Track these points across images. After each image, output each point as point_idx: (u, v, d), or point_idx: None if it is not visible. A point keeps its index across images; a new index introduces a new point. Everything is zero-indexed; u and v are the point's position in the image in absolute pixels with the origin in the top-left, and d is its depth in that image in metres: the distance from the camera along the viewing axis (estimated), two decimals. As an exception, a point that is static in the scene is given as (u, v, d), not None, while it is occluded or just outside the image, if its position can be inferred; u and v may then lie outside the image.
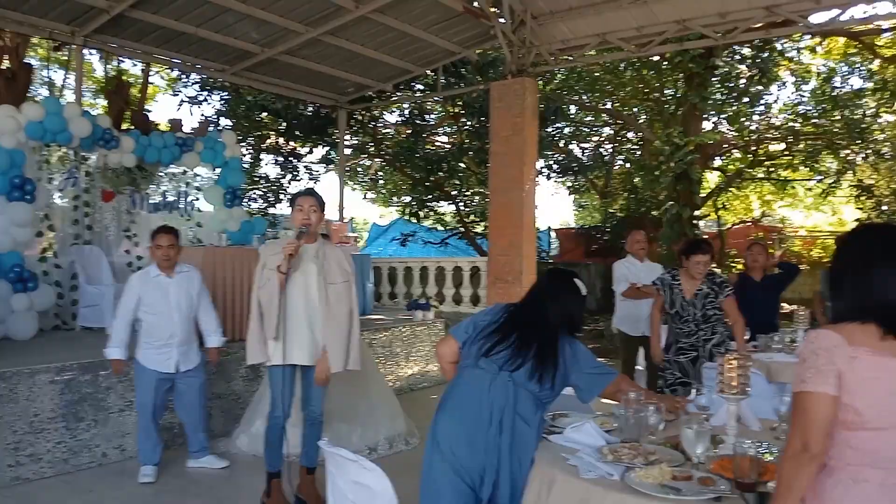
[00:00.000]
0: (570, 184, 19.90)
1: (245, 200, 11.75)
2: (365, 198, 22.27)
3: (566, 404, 3.07)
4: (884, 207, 15.99)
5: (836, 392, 1.72)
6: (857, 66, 15.63)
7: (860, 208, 16.79)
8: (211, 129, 9.78)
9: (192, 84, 15.25)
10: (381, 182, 20.59)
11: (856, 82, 15.77)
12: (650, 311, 5.44)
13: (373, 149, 16.39)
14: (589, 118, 18.57)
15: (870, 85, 15.60)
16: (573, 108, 17.35)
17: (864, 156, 15.65)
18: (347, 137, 14.52)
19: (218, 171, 9.12)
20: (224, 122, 14.88)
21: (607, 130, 19.24)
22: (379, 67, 10.34)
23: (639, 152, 18.10)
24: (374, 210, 26.22)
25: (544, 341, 2.77)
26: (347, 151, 14.77)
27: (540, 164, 16.05)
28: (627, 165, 19.08)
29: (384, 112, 16.08)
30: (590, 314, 13.92)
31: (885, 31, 13.92)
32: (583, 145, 19.27)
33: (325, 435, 5.04)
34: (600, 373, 2.86)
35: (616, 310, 6.58)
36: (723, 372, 2.57)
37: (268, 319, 4.08)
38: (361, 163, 19.55)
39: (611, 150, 19.54)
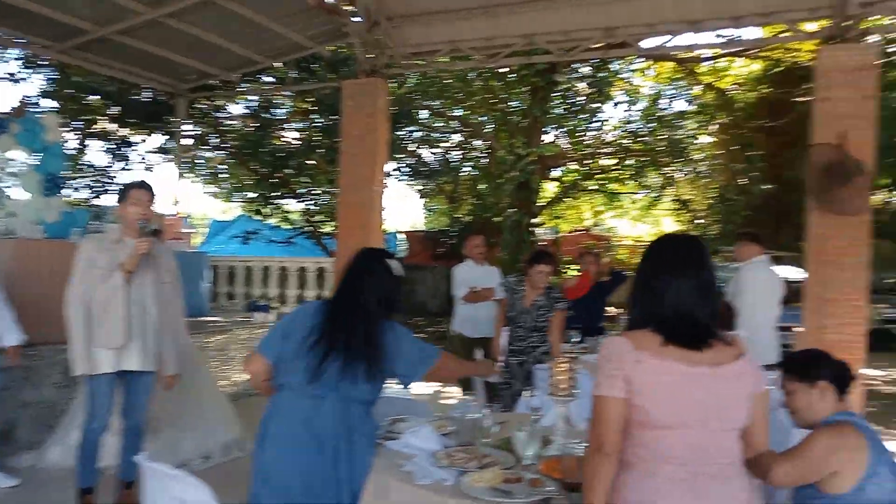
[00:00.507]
0: (420, 187, 20.13)
1: (68, 190, 10.74)
2: (205, 192, 21.19)
3: (401, 408, 3.06)
4: (699, 220, 17.65)
5: (625, 395, 1.83)
6: (681, 90, 17.15)
7: (679, 221, 18.42)
8: (31, 109, 8.84)
9: (13, 60, 13.77)
10: (223, 176, 19.69)
11: (679, 105, 17.32)
12: (496, 313, 5.64)
13: (215, 140, 15.63)
14: (439, 124, 18.88)
15: (691, 108, 17.18)
16: (424, 113, 17.56)
17: (683, 173, 17.19)
18: (189, 126, 13.73)
19: (36, 156, 8.26)
20: (47, 103, 13.55)
21: (457, 137, 19.67)
22: (224, 55, 9.85)
23: (485, 160, 18.66)
24: (216, 205, 25.02)
25: (366, 331, 2.59)
26: (187, 142, 13.98)
27: (391, 166, 16.09)
28: (474, 172, 19.63)
29: (229, 103, 15.39)
30: (434, 316, 14.14)
31: (705, 59, 15.37)
32: (433, 150, 19.56)
33: (155, 443, 4.72)
34: (422, 356, 2.70)
35: (455, 313, 6.69)
36: (553, 375, 2.67)
37: (108, 324, 3.71)
38: (202, 154, 18.58)
39: (459, 157, 20.00)
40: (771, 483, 2.12)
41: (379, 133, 8.51)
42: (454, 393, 7.39)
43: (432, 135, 19.03)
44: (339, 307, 2.66)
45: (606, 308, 7.21)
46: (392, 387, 2.83)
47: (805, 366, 2.44)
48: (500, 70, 14.50)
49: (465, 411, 2.96)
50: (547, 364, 2.60)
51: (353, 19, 8.55)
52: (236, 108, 16.00)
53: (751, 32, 10.43)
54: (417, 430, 2.65)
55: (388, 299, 2.71)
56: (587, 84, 15.44)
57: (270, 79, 13.79)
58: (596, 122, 17.01)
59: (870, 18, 7.51)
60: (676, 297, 1.87)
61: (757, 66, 16.07)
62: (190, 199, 29.33)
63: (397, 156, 16.38)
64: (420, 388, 7.02)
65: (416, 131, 17.79)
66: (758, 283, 5.83)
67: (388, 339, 2.63)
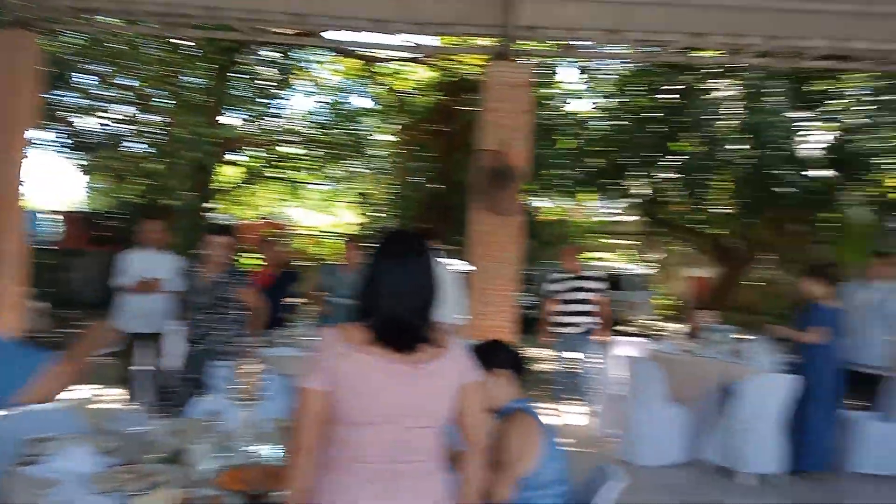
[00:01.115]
0: (82, 163, 17.73)
1: None
2: None
3: (44, 423, 2.57)
4: (379, 214, 18.48)
5: (326, 387, 1.79)
6: (363, 87, 17.72)
7: (360, 213, 19.09)
8: None
9: None
10: None
11: (362, 101, 17.90)
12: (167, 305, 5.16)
13: None
14: (109, 93, 16.83)
15: (374, 106, 17.87)
16: (89, 80, 15.50)
17: (365, 168, 17.83)
18: None
19: None
20: None
21: (129, 110, 17.72)
22: None
23: (162, 138, 17.18)
24: None
25: None
26: None
27: (46, 136, 13.95)
28: (147, 150, 17.93)
29: None
30: (92, 308, 12.58)
31: (387, 61, 16.10)
32: (99, 121, 17.36)
33: None
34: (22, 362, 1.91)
35: (117, 304, 5.97)
36: (236, 378, 2.49)
37: None
38: None
39: (131, 132, 18.07)
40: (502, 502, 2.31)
41: (23, 95, 7.26)
42: (116, 395, 6.55)
43: (97, 104, 16.89)
44: None
45: (291, 299, 7.10)
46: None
47: (482, 355, 2.61)
48: (181, 42, 13.43)
49: (129, 422, 2.61)
50: (228, 361, 2.42)
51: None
52: None
53: (430, 41, 11.22)
54: (67, 449, 2.25)
55: None
56: (275, 70, 15.11)
57: None
58: (281, 109, 16.76)
59: (528, 42, 8.55)
60: (390, 292, 1.86)
61: (432, 74, 17.31)
62: None
63: (49, 123, 14.22)
64: (70, 393, 6.11)
65: (77, 98, 15.62)
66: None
67: None
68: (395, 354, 1.83)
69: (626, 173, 14.74)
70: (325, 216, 23.29)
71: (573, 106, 15.14)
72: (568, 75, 15.16)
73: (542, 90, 14.46)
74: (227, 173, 17.71)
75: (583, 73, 14.63)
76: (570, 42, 8.35)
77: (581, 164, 14.16)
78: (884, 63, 8.35)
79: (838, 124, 12.43)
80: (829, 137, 12.78)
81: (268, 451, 2.20)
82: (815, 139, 12.98)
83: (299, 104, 20.84)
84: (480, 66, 13.56)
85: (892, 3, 7.58)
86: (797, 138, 12.40)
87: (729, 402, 5.39)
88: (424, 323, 1.88)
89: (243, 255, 15.97)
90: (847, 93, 12.45)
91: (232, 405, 2.65)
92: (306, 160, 17.41)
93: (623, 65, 13.92)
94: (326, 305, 6.28)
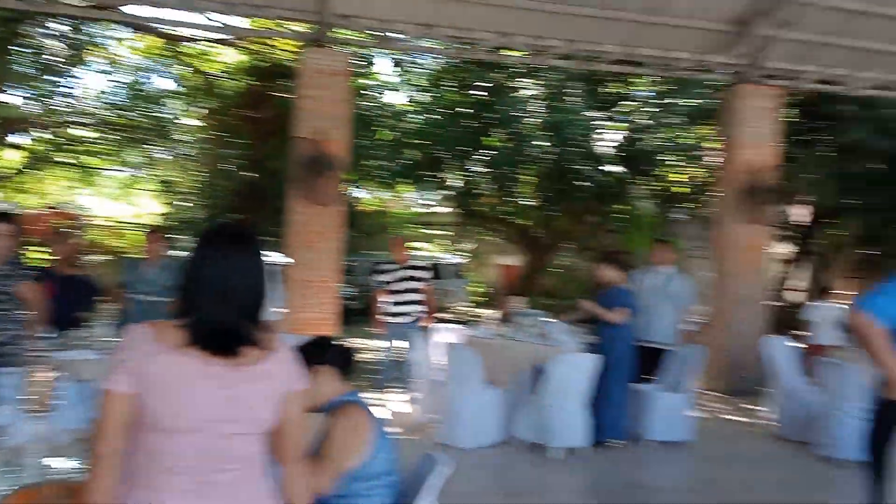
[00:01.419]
0: None
1: None
2: None
3: None
4: (185, 203, 17.38)
5: (131, 390, 1.63)
6: (167, 68, 16.49)
7: (164, 202, 17.84)
8: None
9: None
10: None
11: (165, 83, 16.67)
12: None
13: None
14: None
15: (177, 88, 16.72)
16: None
17: (168, 153, 16.65)
18: None
19: None
20: None
21: None
22: None
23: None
24: None
25: None
26: None
27: None
28: None
29: None
30: None
31: (191, 40, 15.12)
32: None
33: None
34: None
35: None
36: (26, 386, 2.21)
37: None
38: None
39: None
40: (321, 493, 2.19)
41: None
42: None
43: None
44: None
45: (86, 296, 6.44)
46: None
47: (308, 352, 2.54)
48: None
49: None
50: (17, 367, 2.11)
51: None
52: None
53: (239, 23, 10.67)
54: None
55: None
56: (64, 44, 13.60)
57: None
58: (71, 87, 15.16)
59: (344, 30, 8.47)
60: (212, 290, 1.72)
61: (242, 57, 16.56)
62: None
63: None
64: None
65: None
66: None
67: None
68: (213, 356, 1.69)
69: (441, 166, 15.15)
70: (124, 206, 21.46)
71: (390, 98, 15.28)
72: (385, 67, 15.27)
73: (360, 81, 14.43)
74: (8, 157, 15.76)
75: (397, 66, 14.79)
76: (386, 34, 8.40)
77: (399, 155, 14.34)
78: (667, 69, 9.33)
79: (628, 124, 13.68)
80: (620, 136, 14.05)
81: (65, 466, 1.97)
82: (609, 137, 14.20)
83: (94, 83, 18.98)
84: (294, 51, 13.23)
85: (675, 16, 8.49)
86: (594, 136, 13.47)
87: (538, 382, 5.73)
88: (251, 323, 1.76)
89: (29, 248, 14.32)
90: (636, 95, 13.75)
91: (21, 417, 2.35)
92: (100, 144, 15.93)
93: (436, 60, 14.27)
94: (128, 303, 5.78)
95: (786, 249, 20.57)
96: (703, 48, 9.01)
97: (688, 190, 16.56)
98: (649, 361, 6.26)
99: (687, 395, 6.34)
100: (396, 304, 7.18)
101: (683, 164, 14.49)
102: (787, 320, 16.34)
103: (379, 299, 7.35)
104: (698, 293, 7.26)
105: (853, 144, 13.36)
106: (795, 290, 20.67)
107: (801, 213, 15.22)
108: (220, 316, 1.71)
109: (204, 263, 1.76)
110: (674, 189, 16.27)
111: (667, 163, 13.72)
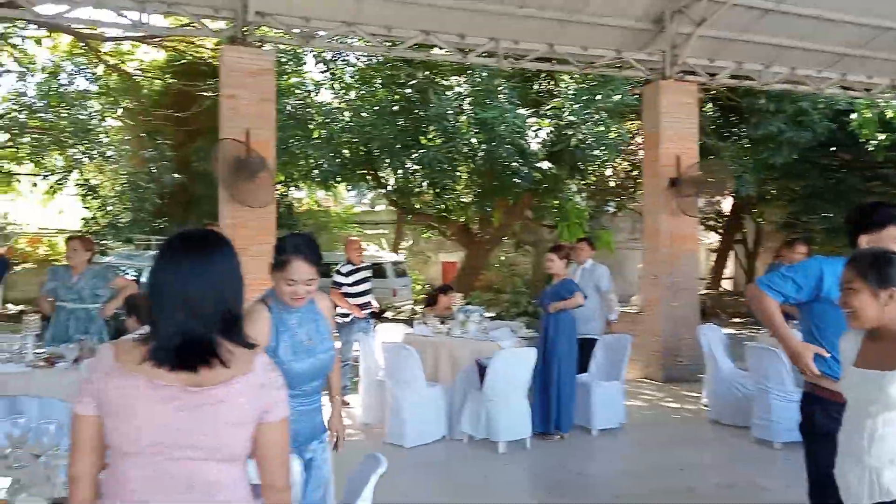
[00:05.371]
0: None
1: None
2: None
3: None
4: (109, 208, 16.70)
5: (94, 412, 1.58)
6: (82, 67, 15.78)
7: (87, 207, 17.10)
8: None
9: None
10: None
11: (82, 83, 15.96)
12: None
13: None
14: None
15: (95, 88, 16.05)
16: None
17: (90, 156, 15.94)
18: None
19: None
20: None
21: None
22: None
23: None
24: None
25: None
26: None
27: None
28: None
29: None
30: None
31: (108, 39, 14.53)
32: None
33: None
34: None
35: None
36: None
37: None
38: None
39: None
40: None
41: None
42: None
43: None
44: None
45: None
46: None
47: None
48: None
49: None
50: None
51: None
52: None
53: (157, 20, 10.25)
54: None
55: None
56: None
57: None
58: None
59: (266, 28, 8.28)
60: (170, 303, 1.60)
61: (162, 55, 16.04)
62: None
63: None
64: None
65: None
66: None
67: None
68: (170, 375, 1.58)
69: (376, 164, 15.04)
70: (47, 212, 20.44)
71: (321, 96, 15.06)
72: (313, 65, 15.05)
73: (292, 79, 14.16)
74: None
75: (320, 63, 14.60)
76: (310, 31, 8.27)
77: (332, 154, 14.15)
78: (588, 66, 9.49)
79: (555, 121, 13.86)
80: (548, 132, 14.24)
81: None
82: (539, 134, 14.37)
83: (7, 85, 18.05)
84: (214, 49, 12.86)
85: (593, 14, 8.66)
86: (525, 133, 13.59)
87: (481, 378, 5.74)
88: (223, 337, 1.62)
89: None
90: (562, 92, 13.94)
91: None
92: (17, 148, 15.14)
93: (363, 59, 14.14)
94: (54, 311, 5.51)
95: (714, 239, 21.40)
96: (621, 45, 9.22)
97: (616, 183, 16.96)
98: (579, 353, 6.36)
99: (620, 383, 6.49)
100: (353, 305, 7.19)
101: (612, 158, 14.81)
102: (721, 307, 17.00)
103: (336, 301, 7.27)
104: (633, 283, 7.43)
105: (768, 137, 13.97)
106: (726, 277, 21.50)
107: (724, 204, 15.78)
108: (181, 328, 1.59)
109: (161, 273, 1.65)
110: (603, 183, 16.64)
111: (595, 157, 13.97)
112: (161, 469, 1.57)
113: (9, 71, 15.14)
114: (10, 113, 14.90)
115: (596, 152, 13.65)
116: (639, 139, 14.68)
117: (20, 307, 5.88)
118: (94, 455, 1.60)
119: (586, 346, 6.55)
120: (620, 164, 16.46)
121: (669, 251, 8.98)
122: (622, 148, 15.03)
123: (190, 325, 1.59)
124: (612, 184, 16.99)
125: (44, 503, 1.99)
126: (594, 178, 16.22)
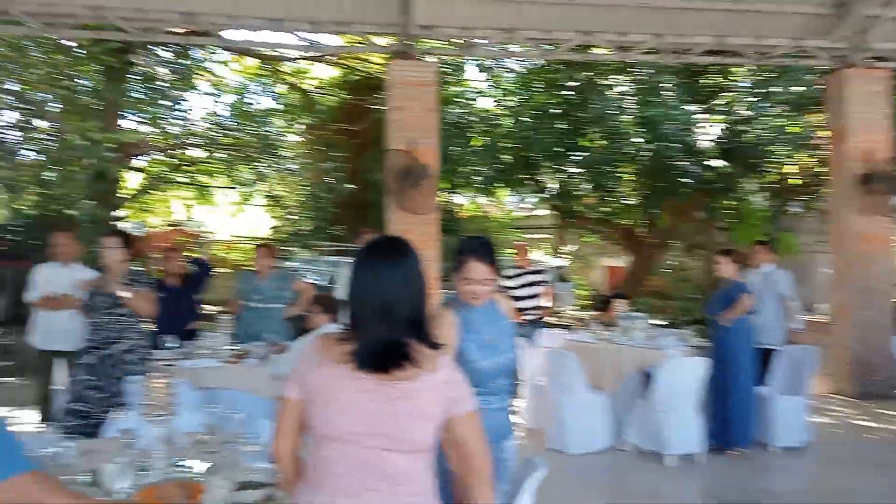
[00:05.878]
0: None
1: None
2: None
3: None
4: (292, 217, 18.08)
5: (299, 396, 1.78)
6: (266, 86, 17.26)
7: (273, 217, 18.64)
8: None
9: None
10: None
11: (266, 102, 17.44)
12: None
13: None
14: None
15: (277, 106, 17.45)
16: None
17: (274, 169, 17.38)
18: None
19: None
20: None
21: (13, 115, 16.56)
22: None
23: (53, 144, 16.16)
24: None
25: None
26: None
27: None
28: (38, 158, 16.83)
29: None
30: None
31: (286, 59, 15.76)
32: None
33: None
34: None
35: (31, 321, 5.67)
36: (148, 393, 2.35)
37: None
38: None
39: (19, 139, 16.89)
40: None
41: None
42: (29, 418, 6.06)
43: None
44: None
45: (200, 305, 6.82)
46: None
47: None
48: (66, 43, 12.68)
49: (42, 443, 2.42)
50: (139, 376, 2.29)
51: None
52: None
53: (330, 39, 11.03)
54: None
55: None
56: (169, 70, 14.49)
57: None
58: (180, 110, 16.10)
59: (428, 40, 8.56)
60: (366, 306, 1.75)
61: (336, 72, 17.07)
62: None
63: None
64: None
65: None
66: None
67: None
68: (369, 371, 1.72)
69: (536, 168, 15.01)
70: (238, 221, 22.53)
71: (482, 104, 15.29)
72: (474, 74, 15.32)
73: (451, 88, 14.52)
74: (133, 180, 16.93)
75: (482, 71, 14.81)
76: (471, 41, 8.43)
77: (493, 160, 14.32)
78: (762, 57, 8.85)
79: (728, 117, 13.06)
80: (721, 129, 13.42)
81: (185, 466, 2.08)
82: (709, 131, 13.60)
83: (203, 105, 20.13)
84: (382, 64, 13.46)
85: (768, 1, 8.06)
86: (695, 130, 12.94)
87: (647, 387, 5.54)
88: (416, 338, 1.74)
89: (150, 264, 15.31)
90: (735, 86, 13.11)
91: (145, 421, 2.50)
92: (212, 163, 16.82)
93: (522, 64, 14.17)
94: (242, 312, 6.09)
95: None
96: (799, 33, 8.49)
97: (800, 181, 15.61)
98: (758, 364, 5.93)
99: (805, 397, 5.96)
100: (519, 309, 7.20)
101: (793, 154, 13.67)
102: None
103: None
104: (821, 289, 6.83)
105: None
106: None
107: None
108: (381, 332, 1.72)
109: (360, 280, 1.79)
110: (785, 181, 15.38)
111: (775, 154, 12.97)
112: (356, 457, 1.70)
113: (206, 94, 16.92)
114: (206, 131, 16.58)
115: (774, 148, 12.69)
116: (824, 133, 13.44)
117: (217, 308, 6.61)
118: (293, 435, 1.82)
119: (765, 358, 6.10)
120: (805, 160, 15.13)
121: (859, 253, 8.15)
122: (805, 143, 13.83)
123: (389, 332, 1.72)
124: (794, 182, 15.66)
125: (231, 486, 2.20)
126: (776, 177, 15.04)
